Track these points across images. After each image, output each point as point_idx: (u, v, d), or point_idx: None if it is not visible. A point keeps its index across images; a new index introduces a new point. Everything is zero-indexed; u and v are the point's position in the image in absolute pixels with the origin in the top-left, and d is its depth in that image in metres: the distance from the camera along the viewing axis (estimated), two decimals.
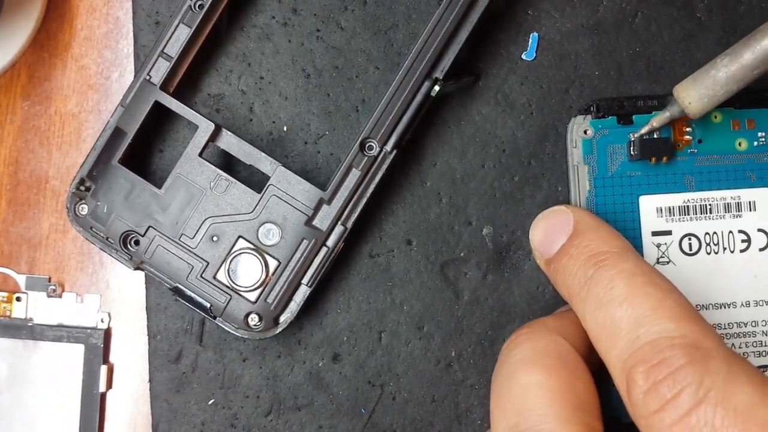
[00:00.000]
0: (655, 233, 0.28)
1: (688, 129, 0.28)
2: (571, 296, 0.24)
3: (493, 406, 0.23)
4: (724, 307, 0.28)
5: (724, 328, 0.28)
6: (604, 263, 0.24)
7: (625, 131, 0.28)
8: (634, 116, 0.28)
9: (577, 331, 0.25)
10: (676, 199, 0.28)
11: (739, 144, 0.28)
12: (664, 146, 0.28)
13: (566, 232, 0.25)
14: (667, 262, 0.28)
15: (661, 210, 0.28)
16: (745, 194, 0.28)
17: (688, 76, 0.26)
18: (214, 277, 0.28)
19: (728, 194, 0.28)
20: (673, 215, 0.28)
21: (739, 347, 0.28)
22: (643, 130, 0.28)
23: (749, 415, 0.20)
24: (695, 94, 0.26)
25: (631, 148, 0.28)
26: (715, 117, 0.28)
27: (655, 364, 0.21)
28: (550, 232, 0.26)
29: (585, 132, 0.28)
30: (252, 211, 0.28)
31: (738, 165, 0.28)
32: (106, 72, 0.32)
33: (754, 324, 0.28)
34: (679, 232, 0.28)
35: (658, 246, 0.28)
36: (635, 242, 0.28)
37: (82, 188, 0.28)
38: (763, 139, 0.28)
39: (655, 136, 0.28)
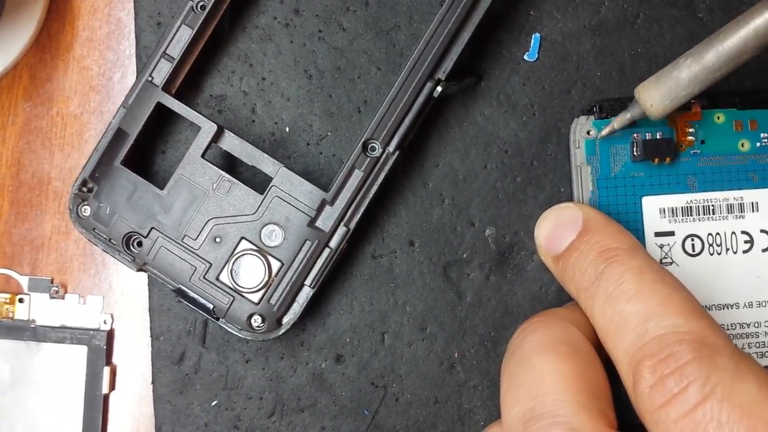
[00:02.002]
0: (658, 234, 0.28)
1: (690, 130, 0.28)
2: (580, 292, 0.24)
3: (505, 393, 0.23)
4: (727, 308, 0.28)
5: (727, 329, 0.28)
6: (614, 259, 0.24)
7: (627, 132, 0.28)
8: None
9: (587, 324, 0.25)
10: (679, 200, 0.28)
11: (742, 145, 0.28)
12: (667, 147, 0.28)
13: (575, 228, 0.25)
14: (670, 263, 0.28)
15: (664, 211, 0.28)
16: (748, 195, 0.28)
17: (651, 77, 0.26)
18: (217, 279, 0.28)
19: (731, 195, 0.28)
20: (676, 216, 0.28)
21: (742, 348, 0.28)
22: (604, 132, 0.27)
23: (755, 412, 0.20)
24: (657, 95, 0.25)
25: (634, 148, 0.28)
26: (718, 118, 0.28)
27: (662, 359, 0.21)
28: (558, 228, 0.26)
29: (588, 132, 0.28)
30: (254, 213, 0.28)
31: (741, 166, 0.28)
32: (108, 73, 0.32)
33: (756, 325, 0.28)
34: (682, 232, 0.28)
35: (661, 247, 0.28)
36: None
37: (85, 189, 0.28)
38: (766, 140, 0.28)
39: (658, 136, 0.28)
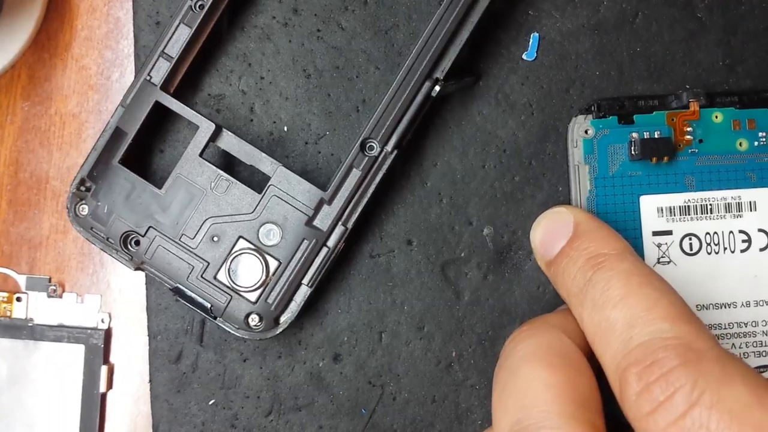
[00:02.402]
0: (655, 233, 0.28)
1: (688, 129, 0.28)
2: (570, 298, 0.24)
3: (496, 403, 0.23)
4: (725, 307, 0.28)
5: (724, 328, 0.28)
6: (602, 265, 0.24)
7: (626, 131, 0.28)
8: (635, 116, 0.28)
9: (578, 329, 0.24)
10: (677, 199, 0.28)
11: (740, 144, 0.28)
12: (665, 146, 0.28)
13: (566, 233, 0.25)
14: (668, 262, 0.28)
15: (662, 210, 0.28)
16: (746, 194, 0.28)
17: None
18: (215, 278, 0.28)
19: (729, 194, 0.28)
20: (674, 215, 0.28)
21: (740, 347, 0.28)
22: None
23: (744, 417, 0.19)
24: None
25: (632, 147, 0.28)
26: (716, 117, 0.28)
27: (647, 366, 0.21)
28: (550, 233, 0.26)
29: (586, 132, 0.28)
30: (252, 212, 0.28)
31: (738, 165, 0.28)
32: (106, 72, 0.32)
33: (754, 324, 0.28)
34: (680, 232, 0.28)
35: (659, 246, 0.28)
36: (636, 242, 0.28)
37: (83, 188, 0.28)
38: (764, 139, 0.28)
39: (656, 135, 0.28)
